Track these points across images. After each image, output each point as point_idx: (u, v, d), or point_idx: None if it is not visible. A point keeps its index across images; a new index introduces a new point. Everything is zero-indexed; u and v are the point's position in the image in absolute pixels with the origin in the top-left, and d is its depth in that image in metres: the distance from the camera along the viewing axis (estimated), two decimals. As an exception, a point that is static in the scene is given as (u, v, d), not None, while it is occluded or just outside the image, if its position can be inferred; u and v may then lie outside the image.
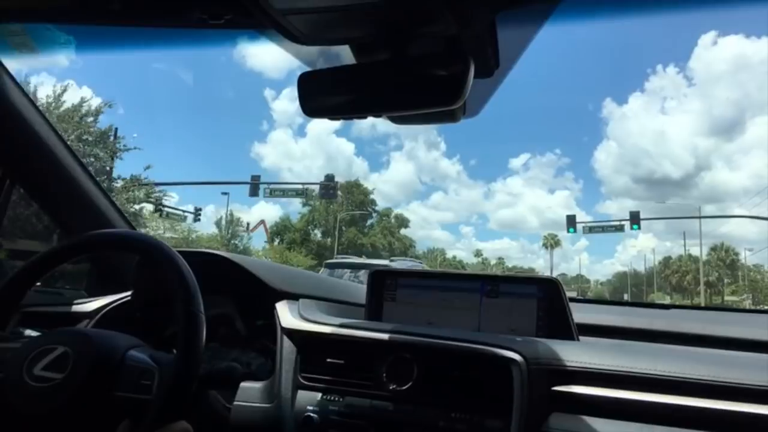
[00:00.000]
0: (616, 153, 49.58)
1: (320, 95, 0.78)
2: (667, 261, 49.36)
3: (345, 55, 0.77)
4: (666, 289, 48.81)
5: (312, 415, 1.00)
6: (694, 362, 0.86)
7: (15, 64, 1.22)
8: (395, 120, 0.88)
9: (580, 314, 1.17)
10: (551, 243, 52.31)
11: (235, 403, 1.07)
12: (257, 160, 56.83)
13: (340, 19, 0.69)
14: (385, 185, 54.92)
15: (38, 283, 0.96)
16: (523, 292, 1.19)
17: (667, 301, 35.87)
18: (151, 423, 0.75)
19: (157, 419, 0.76)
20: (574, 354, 0.92)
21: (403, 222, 49.00)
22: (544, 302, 1.16)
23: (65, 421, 0.77)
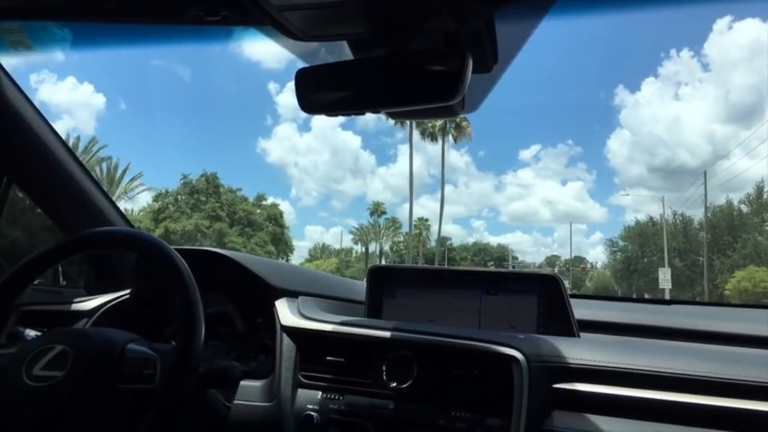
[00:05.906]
0: (630, 142, 47.02)
1: (318, 91, 0.77)
2: None
3: (342, 51, 0.77)
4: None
5: (312, 413, 0.99)
6: (697, 359, 0.86)
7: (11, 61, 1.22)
8: (393, 116, 0.88)
9: (581, 310, 1.16)
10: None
11: (235, 402, 1.06)
12: (263, 155, 55.76)
13: (337, 14, 0.69)
14: (393, 178, 53.20)
15: (37, 282, 0.96)
16: (524, 289, 1.18)
17: None
18: (158, 410, 0.74)
19: (163, 406, 0.75)
20: (576, 351, 0.91)
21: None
22: (545, 299, 1.15)
23: (69, 419, 0.76)
